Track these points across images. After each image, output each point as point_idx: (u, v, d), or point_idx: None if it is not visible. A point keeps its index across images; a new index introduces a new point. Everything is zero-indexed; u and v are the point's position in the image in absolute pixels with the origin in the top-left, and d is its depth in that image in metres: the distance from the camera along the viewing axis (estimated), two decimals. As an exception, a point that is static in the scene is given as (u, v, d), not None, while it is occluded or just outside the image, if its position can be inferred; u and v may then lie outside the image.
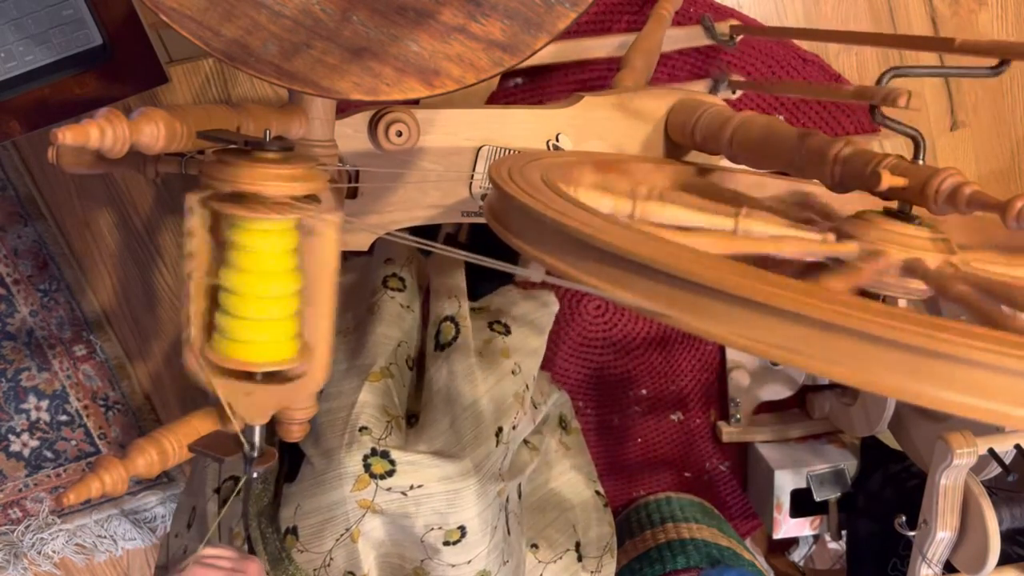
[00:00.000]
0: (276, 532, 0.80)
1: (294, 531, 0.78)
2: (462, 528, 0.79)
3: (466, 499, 0.79)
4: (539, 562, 0.95)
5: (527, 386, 0.92)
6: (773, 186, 0.76)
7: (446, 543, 0.78)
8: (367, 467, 0.77)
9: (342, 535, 0.77)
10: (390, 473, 0.78)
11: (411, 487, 0.78)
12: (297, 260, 0.61)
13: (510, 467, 0.91)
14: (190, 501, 0.93)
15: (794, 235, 0.56)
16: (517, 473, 0.93)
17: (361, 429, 0.80)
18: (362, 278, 1.01)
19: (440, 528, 0.78)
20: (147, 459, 0.60)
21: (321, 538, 0.77)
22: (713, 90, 1.12)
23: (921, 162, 0.59)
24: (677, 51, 1.14)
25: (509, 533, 0.87)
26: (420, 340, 0.96)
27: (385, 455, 0.78)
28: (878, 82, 0.59)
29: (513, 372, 0.92)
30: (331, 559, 0.77)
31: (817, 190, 0.73)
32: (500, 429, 0.86)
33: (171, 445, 0.61)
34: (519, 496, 0.96)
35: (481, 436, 0.84)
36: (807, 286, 0.38)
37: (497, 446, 0.85)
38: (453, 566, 0.79)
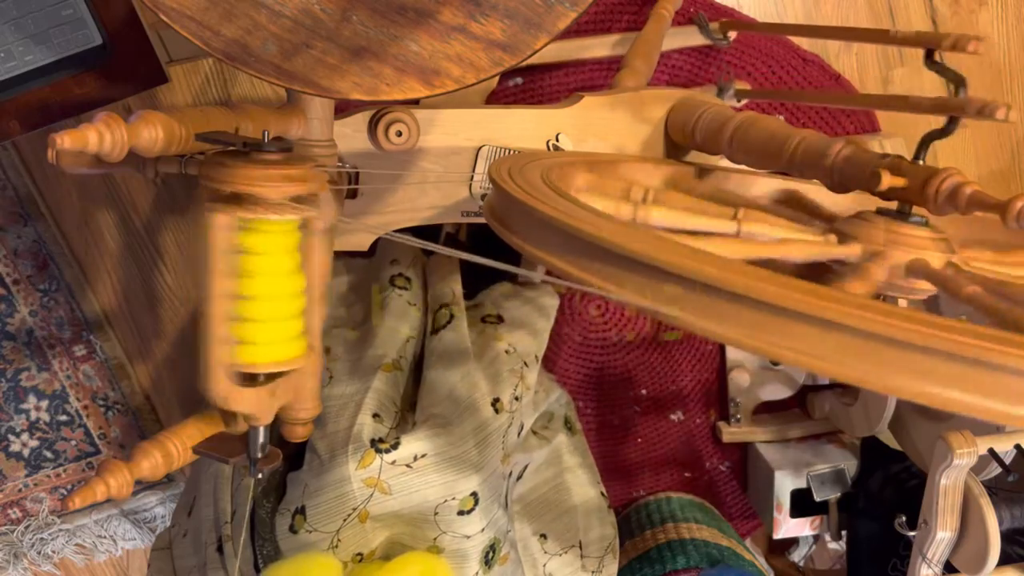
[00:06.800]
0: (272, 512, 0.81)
1: (302, 511, 0.78)
2: (474, 495, 0.79)
3: (470, 465, 0.80)
4: (544, 552, 0.96)
5: (525, 364, 0.93)
6: (762, 184, 0.76)
7: (460, 512, 0.79)
8: (373, 443, 0.79)
9: (349, 515, 0.77)
10: (395, 446, 0.79)
11: (415, 457, 0.79)
12: (299, 259, 0.61)
13: (519, 445, 0.92)
14: (190, 493, 0.94)
15: (799, 238, 0.56)
16: (523, 452, 0.94)
17: (374, 416, 0.81)
18: (366, 276, 1.02)
19: (454, 498, 0.78)
20: (152, 462, 0.60)
21: (329, 518, 0.78)
22: (718, 97, 1.12)
23: (921, 162, 0.59)
24: (677, 51, 1.14)
25: (507, 507, 0.88)
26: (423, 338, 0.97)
27: (393, 440, 0.80)
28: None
29: (507, 352, 0.93)
30: (339, 540, 0.77)
31: (805, 187, 0.73)
32: (497, 399, 0.87)
33: (175, 447, 0.61)
34: (520, 478, 0.97)
35: (477, 404, 0.85)
36: (822, 288, 0.38)
37: (497, 414, 0.86)
38: (468, 537, 0.79)
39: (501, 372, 0.90)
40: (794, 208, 0.68)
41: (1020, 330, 0.40)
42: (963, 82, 0.59)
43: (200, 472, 0.93)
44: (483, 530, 0.80)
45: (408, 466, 0.78)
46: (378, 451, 0.78)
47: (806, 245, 0.54)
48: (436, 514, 0.78)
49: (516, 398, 0.89)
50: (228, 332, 0.58)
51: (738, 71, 1.16)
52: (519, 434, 0.93)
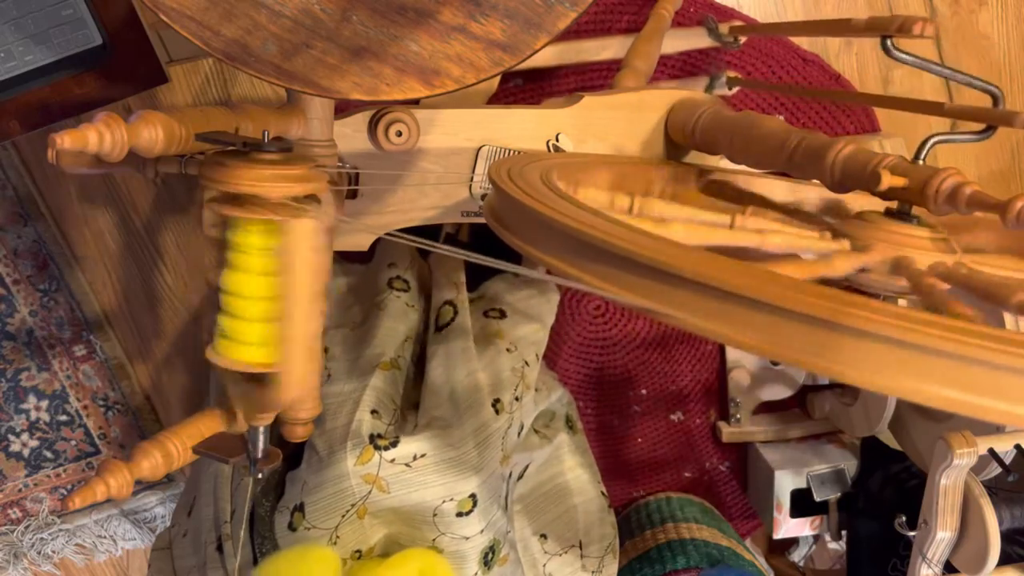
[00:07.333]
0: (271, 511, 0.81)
1: (300, 508, 0.79)
2: (473, 496, 0.79)
3: (469, 465, 0.80)
4: (545, 552, 0.96)
5: (526, 363, 0.94)
6: (804, 192, 0.76)
7: (459, 514, 0.79)
8: (372, 439, 0.79)
9: (348, 511, 0.77)
10: (394, 444, 0.79)
11: (414, 457, 0.79)
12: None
13: (519, 444, 0.92)
14: (190, 493, 0.94)
15: (780, 230, 0.56)
16: (524, 451, 0.94)
17: (372, 412, 0.81)
18: (364, 280, 1.02)
19: (452, 499, 0.78)
20: (151, 462, 0.60)
21: (327, 514, 0.78)
22: (709, 87, 1.12)
23: (921, 162, 0.59)
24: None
25: (507, 508, 0.88)
26: (423, 338, 0.97)
27: (392, 437, 0.80)
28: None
29: (508, 350, 0.93)
30: (338, 537, 0.77)
31: (851, 198, 0.73)
32: (498, 400, 0.87)
33: (175, 447, 0.61)
34: (521, 478, 0.97)
35: (478, 404, 0.86)
36: (799, 282, 0.38)
37: (498, 415, 0.86)
38: (467, 538, 0.79)
39: (502, 372, 0.90)
40: (833, 217, 0.68)
41: (939, 312, 0.40)
42: (999, 93, 0.59)
43: (200, 472, 0.93)
44: (482, 531, 0.80)
45: (407, 465, 0.78)
46: (377, 448, 0.78)
47: (785, 236, 0.54)
48: (435, 515, 0.78)
49: (517, 398, 0.89)
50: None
51: (738, 71, 1.16)
52: (519, 434, 0.93)
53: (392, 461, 0.78)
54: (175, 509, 0.98)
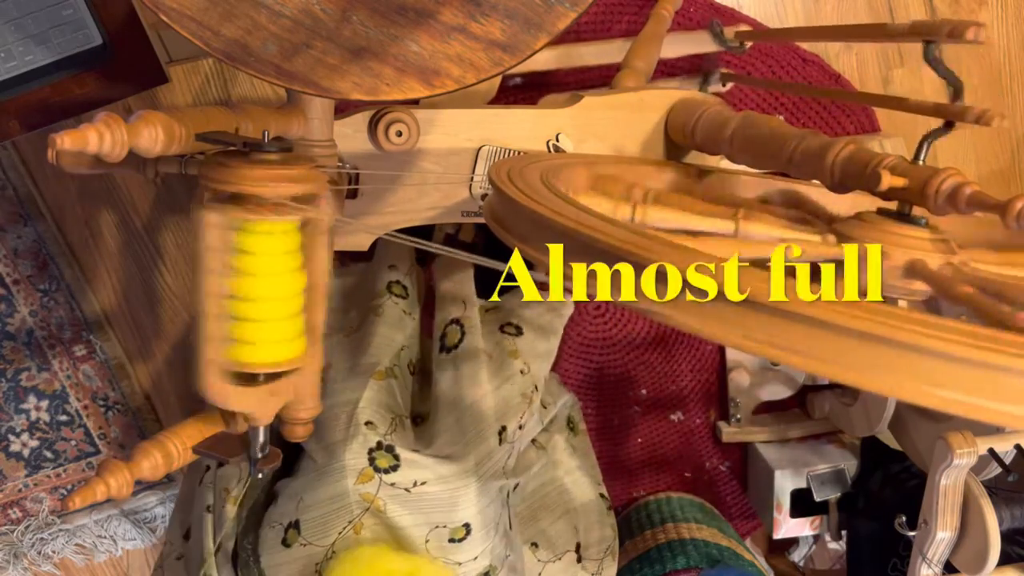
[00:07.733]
0: (253, 535, 0.81)
1: (296, 525, 0.78)
2: (467, 525, 0.79)
3: (468, 496, 0.79)
4: (538, 561, 0.95)
5: (536, 387, 0.93)
6: (764, 186, 0.76)
7: (451, 540, 0.79)
8: (371, 460, 0.78)
9: (344, 528, 0.77)
10: (394, 468, 0.78)
11: (414, 483, 0.78)
12: (300, 259, 0.61)
13: (515, 466, 0.91)
14: (184, 512, 0.93)
15: (796, 238, 0.56)
16: (522, 471, 0.93)
17: (367, 423, 0.81)
18: (363, 281, 1.01)
19: (445, 526, 0.78)
20: (152, 462, 0.60)
21: (324, 531, 0.78)
22: (703, 83, 1.11)
23: (922, 162, 0.59)
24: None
25: (511, 527, 0.87)
26: (420, 348, 0.96)
27: (390, 449, 0.79)
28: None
29: (522, 372, 0.92)
30: (333, 552, 0.77)
31: (808, 189, 0.73)
32: (504, 428, 0.87)
33: (175, 447, 0.61)
34: (515, 492, 0.96)
35: (484, 434, 0.85)
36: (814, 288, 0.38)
37: (501, 444, 0.85)
38: (459, 564, 0.79)
39: (512, 398, 0.89)
40: (797, 209, 0.68)
41: (1003, 327, 0.40)
42: (960, 86, 0.59)
43: (193, 497, 0.91)
44: (476, 558, 0.80)
45: (407, 490, 0.78)
46: (377, 470, 0.78)
47: (803, 244, 0.54)
48: (427, 541, 0.78)
49: (520, 427, 0.89)
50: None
51: (738, 71, 1.16)
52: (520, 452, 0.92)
53: (392, 485, 0.78)
54: (168, 525, 0.97)
